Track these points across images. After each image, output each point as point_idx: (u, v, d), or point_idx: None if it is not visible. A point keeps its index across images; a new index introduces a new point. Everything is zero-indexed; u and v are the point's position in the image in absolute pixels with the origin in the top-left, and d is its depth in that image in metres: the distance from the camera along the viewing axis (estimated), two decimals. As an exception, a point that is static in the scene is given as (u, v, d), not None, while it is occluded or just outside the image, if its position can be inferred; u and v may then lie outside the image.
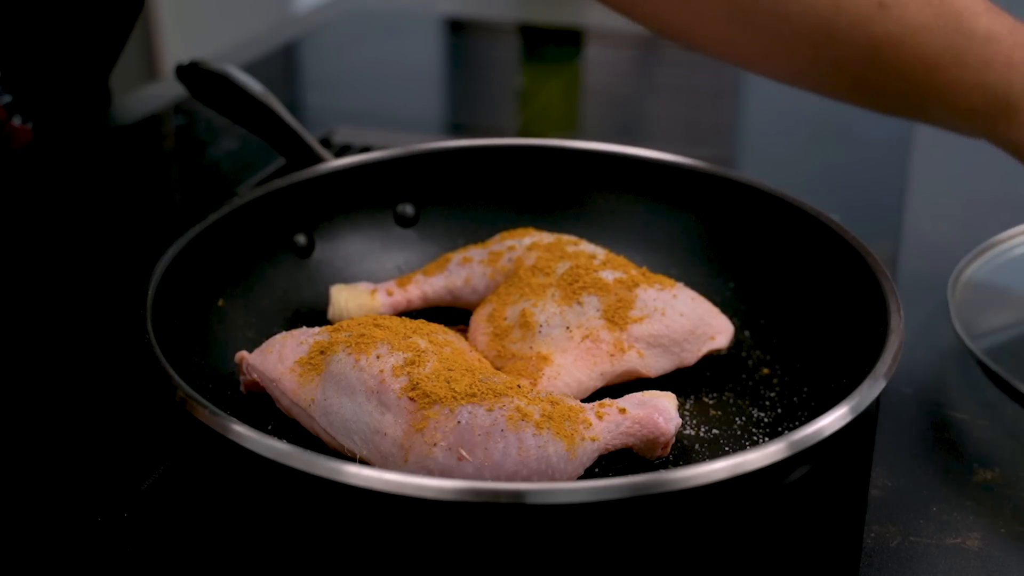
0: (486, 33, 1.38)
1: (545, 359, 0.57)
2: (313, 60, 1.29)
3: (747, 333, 0.64)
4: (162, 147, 1.01)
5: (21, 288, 0.72)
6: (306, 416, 0.53)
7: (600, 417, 0.51)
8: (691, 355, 0.59)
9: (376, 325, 0.55)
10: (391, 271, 0.70)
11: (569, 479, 0.49)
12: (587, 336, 0.57)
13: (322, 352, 0.53)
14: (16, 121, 0.76)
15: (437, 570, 0.47)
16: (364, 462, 0.50)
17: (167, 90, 1.08)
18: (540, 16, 1.44)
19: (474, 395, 0.49)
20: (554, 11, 1.45)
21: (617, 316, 0.58)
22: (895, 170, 0.91)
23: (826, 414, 0.46)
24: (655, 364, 0.58)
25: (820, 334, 0.60)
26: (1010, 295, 0.70)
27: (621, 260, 0.62)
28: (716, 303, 0.62)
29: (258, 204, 0.66)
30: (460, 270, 0.65)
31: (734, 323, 0.62)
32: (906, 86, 0.65)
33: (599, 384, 0.57)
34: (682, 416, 0.57)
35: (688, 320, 0.59)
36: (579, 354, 0.57)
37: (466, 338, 0.60)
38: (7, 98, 0.75)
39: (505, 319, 0.59)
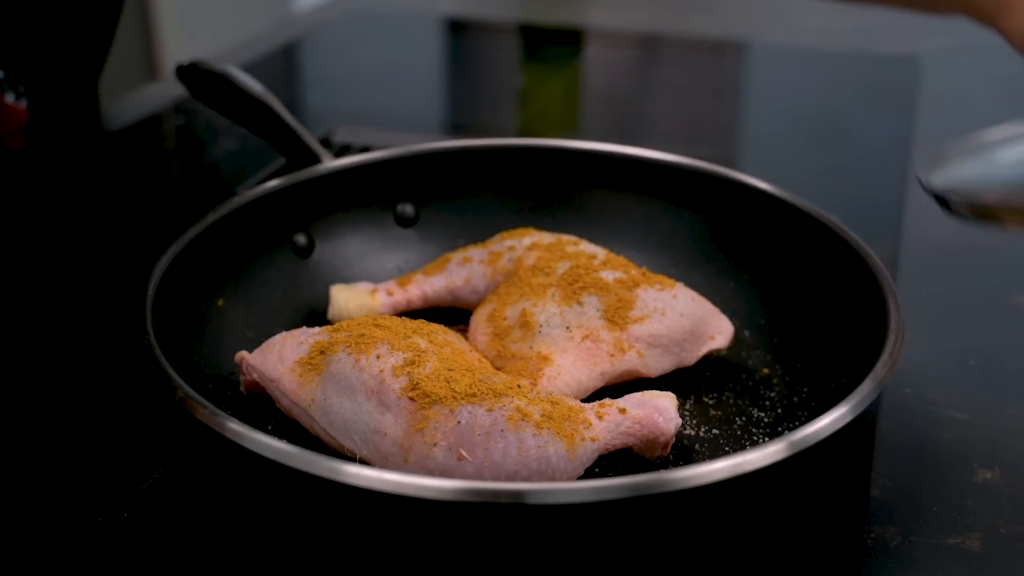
0: (486, 33, 1.38)
1: (545, 359, 0.57)
2: (313, 60, 1.29)
3: (747, 333, 0.64)
4: (162, 147, 1.01)
5: (21, 289, 0.72)
6: (306, 416, 0.53)
7: (600, 417, 0.51)
8: (691, 355, 0.59)
9: (376, 325, 0.55)
10: (391, 271, 0.70)
11: (569, 479, 0.49)
12: (587, 336, 0.57)
13: (322, 352, 0.53)
14: (10, 99, 0.75)
15: (437, 570, 0.47)
16: (364, 462, 0.50)
17: (167, 90, 1.08)
18: (540, 16, 1.44)
19: (474, 395, 0.49)
20: (554, 11, 1.45)
21: (617, 316, 0.58)
22: (895, 170, 0.91)
23: (826, 414, 0.46)
24: (655, 364, 0.58)
25: (820, 334, 0.60)
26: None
27: (621, 260, 0.62)
28: (716, 303, 0.62)
29: (258, 204, 0.66)
30: (460, 270, 0.65)
31: (734, 323, 0.62)
32: None
33: (599, 384, 0.57)
34: (682, 416, 0.57)
35: (688, 320, 0.59)
36: (579, 354, 0.57)
37: (466, 338, 0.60)
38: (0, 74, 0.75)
39: (505, 319, 0.59)
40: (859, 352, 0.54)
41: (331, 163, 0.69)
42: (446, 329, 0.58)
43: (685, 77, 1.22)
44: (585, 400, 0.56)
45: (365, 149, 0.92)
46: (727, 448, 0.55)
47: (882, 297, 0.55)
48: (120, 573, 0.48)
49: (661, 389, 0.55)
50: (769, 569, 0.49)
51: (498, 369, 0.58)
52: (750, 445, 0.55)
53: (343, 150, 0.93)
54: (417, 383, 0.50)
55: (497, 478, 0.48)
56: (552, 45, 1.34)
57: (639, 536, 0.47)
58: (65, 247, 0.78)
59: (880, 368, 0.49)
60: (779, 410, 0.57)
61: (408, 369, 0.51)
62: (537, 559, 0.46)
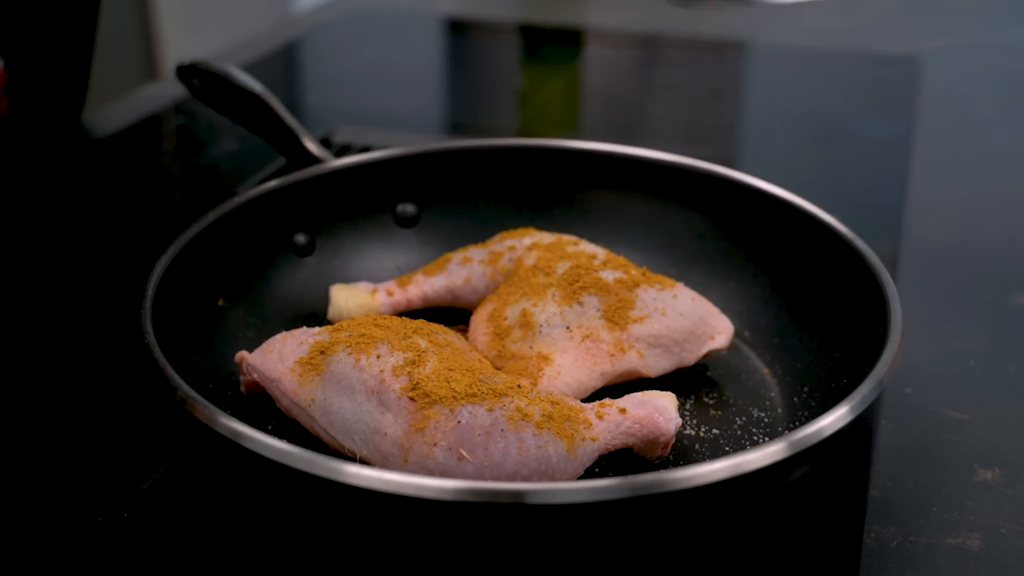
0: (486, 33, 1.38)
1: (545, 359, 0.57)
2: (313, 60, 1.29)
3: (747, 333, 0.64)
4: (162, 147, 1.01)
5: (21, 289, 0.72)
6: (306, 416, 0.53)
7: (600, 417, 0.51)
8: (691, 355, 0.59)
9: (376, 325, 0.55)
10: (391, 271, 0.70)
11: (569, 479, 0.49)
12: (587, 336, 0.57)
13: (322, 352, 0.53)
14: None
15: (437, 570, 0.47)
16: (364, 462, 0.50)
17: (167, 90, 1.08)
18: (540, 16, 1.44)
19: (474, 395, 0.49)
20: (554, 11, 1.45)
21: (617, 316, 0.58)
22: (895, 170, 0.91)
23: (826, 414, 0.46)
24: (655, 364, 0.58)
25: (820, 334, 0.60)
26: None
27: (621, 260, 0.62)
28: (716, 303, 0.62)
29: (258, 204, 0.66)
30: (460, 270, 0.65)
31: (734, 323, 0.62)
32: None
33: (599, 384, 0.57)
34: (682, 416, 0.57)
35: (688, 320, 0.59)
36: (579, 354, 0.57)
37: (466, 338, 0.60)
38: None
39: (505, 319, 0.59)
40: (859, 352, 0.54)
41: (331, 163, 0.69)
42: (446, 329, 0.58)
43: (685, 77, 1.22)
44: (585, 400, 0.56)
45: (365, 149, 0.92)
46: (727, 448, 0.55)
47: (882, 297, 0.55)
48: (120, 573, 0.48)
49: (661, 389, 0.55)
50: (769, 569, 0.49)
51: (498, 369, 0.58)
52: (750, 445, 0.55)
53: (343, 150, 0.93)
54: (417, 383, 0.50)
55: (497, 478, 0.48)
56: (552, 45, 1.34)
57: (639, 536, 0.47)
58: (65, 247, 0.78)
59: (880, 368, 0.49)
60: (779, 410, 0.57)
61: (408, 369, 0.51)
62: (537, 559, 0.46)
